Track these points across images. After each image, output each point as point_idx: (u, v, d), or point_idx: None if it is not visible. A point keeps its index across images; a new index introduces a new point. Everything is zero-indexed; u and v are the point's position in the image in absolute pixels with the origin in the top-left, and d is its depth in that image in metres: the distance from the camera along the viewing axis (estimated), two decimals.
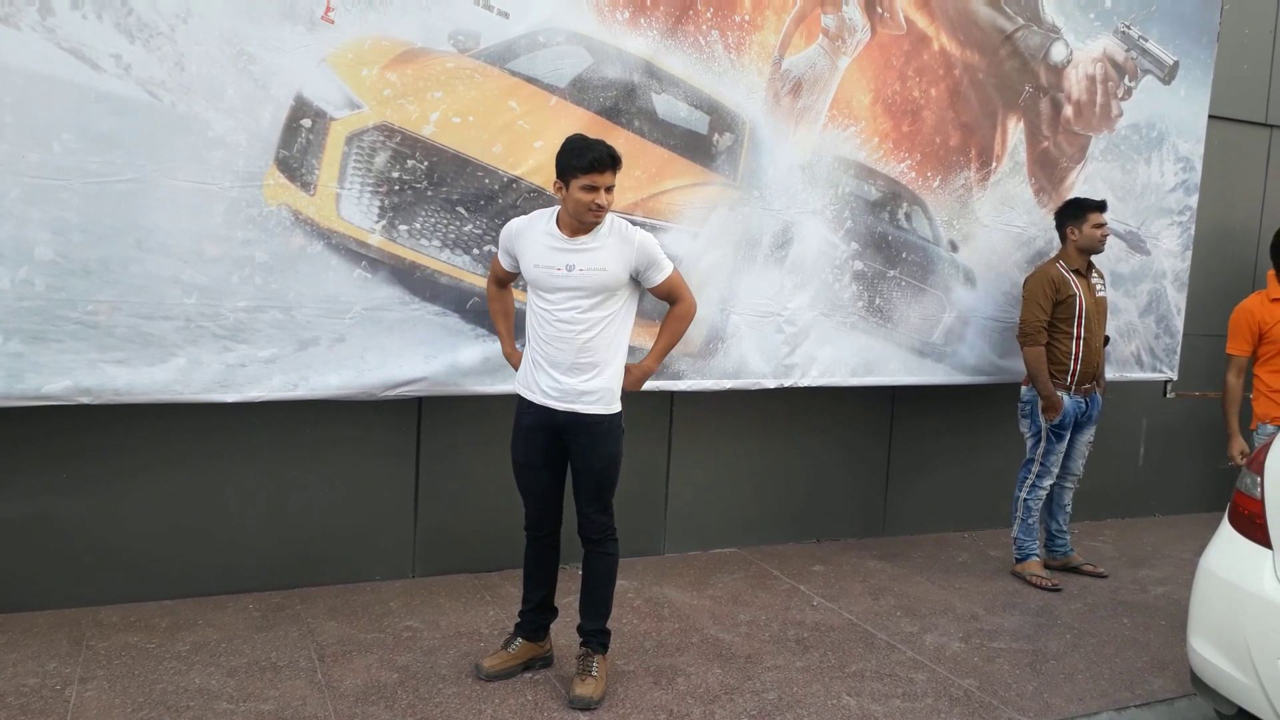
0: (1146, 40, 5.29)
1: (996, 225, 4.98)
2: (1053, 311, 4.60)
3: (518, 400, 3.33)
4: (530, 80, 3.84)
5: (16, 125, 3.19)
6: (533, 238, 3.21)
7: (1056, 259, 4.73)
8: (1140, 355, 5.53)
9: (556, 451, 3.31)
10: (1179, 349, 5.67)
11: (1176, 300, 5.61)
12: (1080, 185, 5.18)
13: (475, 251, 3.87)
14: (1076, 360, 4.63)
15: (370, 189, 3.67)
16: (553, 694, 3.33)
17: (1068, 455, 4.83)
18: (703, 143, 4.20)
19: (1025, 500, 4.80)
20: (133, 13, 3.31)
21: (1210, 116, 5.60)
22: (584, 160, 3.05)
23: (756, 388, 4.57)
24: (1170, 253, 5.56)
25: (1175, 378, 5.70)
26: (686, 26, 4.10)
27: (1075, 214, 4.67)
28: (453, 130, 3.74)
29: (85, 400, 3.41)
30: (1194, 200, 5.59)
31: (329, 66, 3.56)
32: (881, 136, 4.61)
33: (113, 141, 3.31)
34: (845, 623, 4.15)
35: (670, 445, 4.80)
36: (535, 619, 3.48)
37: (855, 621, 4.17)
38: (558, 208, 3.21)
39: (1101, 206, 4.64)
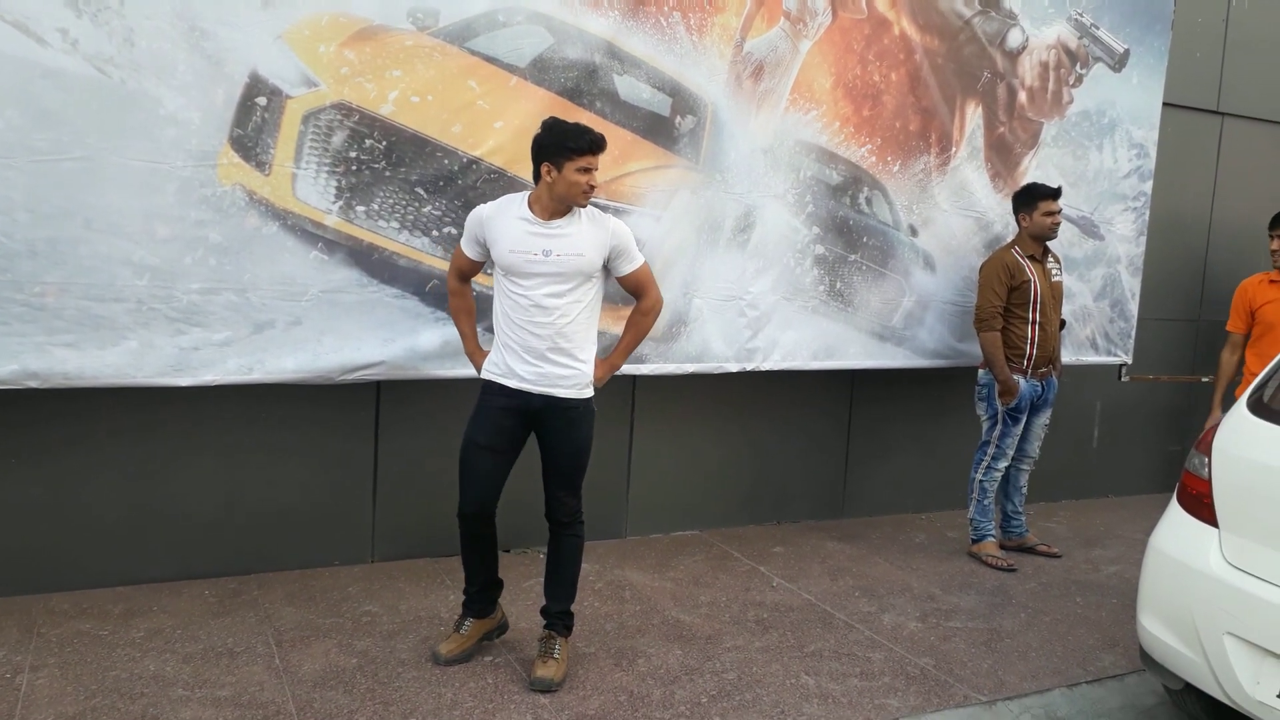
0: (1098, 28, 5.35)
1: (955, 210, 5.02)
2: (1008, 297, 4.66)
3: (484, 384, 3.30)
4: (490, 60, 3.80)
5: None
6: (506, 222, 3.17)
7: (1011, 245, 4.79)
8: (1095, 339, 5.61)
9: (519, 438, 3.30)
10: (1134, 333, 5.76)
11: (1131, 285, 5.70)
12: (1033, 171, 5.23)
13: (435, 233, 3.83)
14: (1032, 345, 4.69)
15: (327, 169, 3.61)
16: (513, 677, 3.32)
17: (1023, 438, 4.90)
18: (665, 125, 4.18)
19: (981, 482, 4.87)
20: None
21: (1163, 104, 5.67)
22: (581, 142, 3.07)
23: (719, 371, 4.58)
24: (1124, 238, 5.64)
25: (1130, 361, 5.80)
26: (648, 7, 4.08)
27: (1027, 201, 4.73)
28: (411, 109, 3.69)
29: (33, 384, 3.33)
30: (1148, 186, 5.67)
31: (285, 43, 3.49)
32: (843, 121, 4.62)
33: (59, 118, 3.23)
34: (804, 603, 4.18)
35: (632, 428, 4.80)
36: (481, 598, 3.48)
37: (814, 602, 4.21)
38: (527, 192, 3.20)
39: (1053, 194, 4.69)
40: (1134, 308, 5.74)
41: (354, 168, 3.65)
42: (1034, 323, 4.69)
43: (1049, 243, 4.82)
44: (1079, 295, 5.50)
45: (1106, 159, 5.49)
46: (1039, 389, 4.80)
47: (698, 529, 5.06)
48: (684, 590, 4.24)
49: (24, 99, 3.18)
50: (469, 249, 3.31)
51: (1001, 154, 5.15)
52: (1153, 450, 6.52)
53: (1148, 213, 5.71)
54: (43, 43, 3.19)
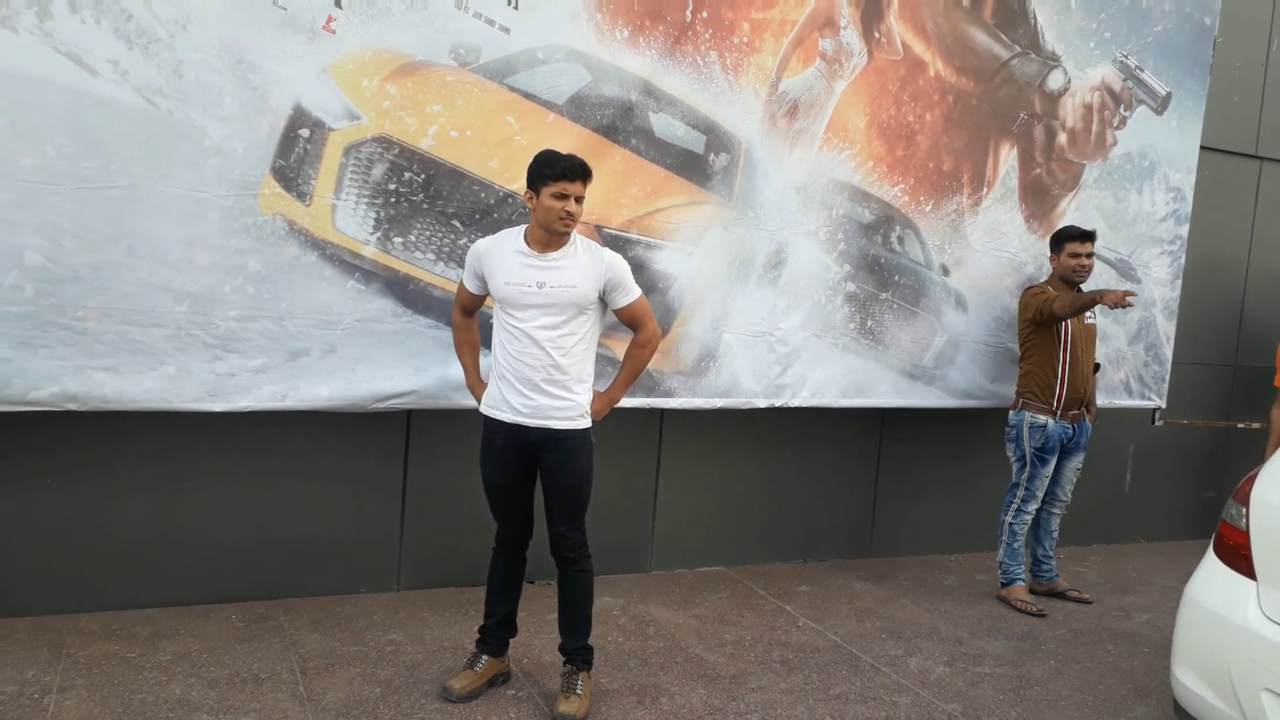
0: (1142, 70, 5.34)
1: (988, 250, 5.00)
2: (1039, 331, 4.65)
3: (484, 421, 3.32)
4: (528, 96, 3.85)
5: (10, 129, 3.18)
6: (501, 256, 3.20)
7: (1045, 284, 4.78)
8: (1129, 382, 5.55)
9: (528, 469, 3.31)
10: (1168, 377, 5.69)
11: (1166, 329, 5.64)
12: (1072, 213, 5.21)
13: None
14: (1062, 385, 4.65)
15: (366, 200, 3.66)
16: (536, 711, 3.31)
17: (1055, 481, 4.85)
18: (699, 162, 4.21)
19: (1010, 524, 4.82)
20: (132, 18, 3.31)
21: (1201, 147, 5.64)
22: (555, 168, 3.09)
23: (747, 407, 4.57)
24: (1160, 281, 5.59)
25: (1164, 405, 5.73)
26: (685, 47, 4.12)
27: (1055, 243, 4.77)
28: (450, 144, 3.74)
29: (72, 407, 3.38)
30: (1184, 230, 5.63)
31: (329, 77, 3.55)
32: (876, 160, 4.63)
33: (107, 147, 3.30)
34: (830, 644, 4.14)
35: (659, 462, 4.80)
36: (499, 634, 3.48)
37: (840, 643, 4.16)
38: (525, 225, 3.23)
39: (1080, 236, 4.67)
40: (1169, 351, 5.68)
41: (393, 200, 3.70)
42: (1064, 363, 4.65)
43: (1083, 285, 4.79)
44: (1114, 338, 5.45)
45: (1145, 202, 5.46)
46: (1070, 431, 4.74)
47: (723, 565, 5.04)
48: (708, 628, 4.21)
49: (75, 128, 3.25)
50: (470, 283, 3.34)
51: (1038, 195, 5.13)
52: (1186, 495, 6.42)
53: (1184, 256, 5.66)
54: (94, 73, 3.27)
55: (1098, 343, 4.98)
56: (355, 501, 4.18)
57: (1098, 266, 5.29)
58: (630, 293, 3.26)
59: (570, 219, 3.11)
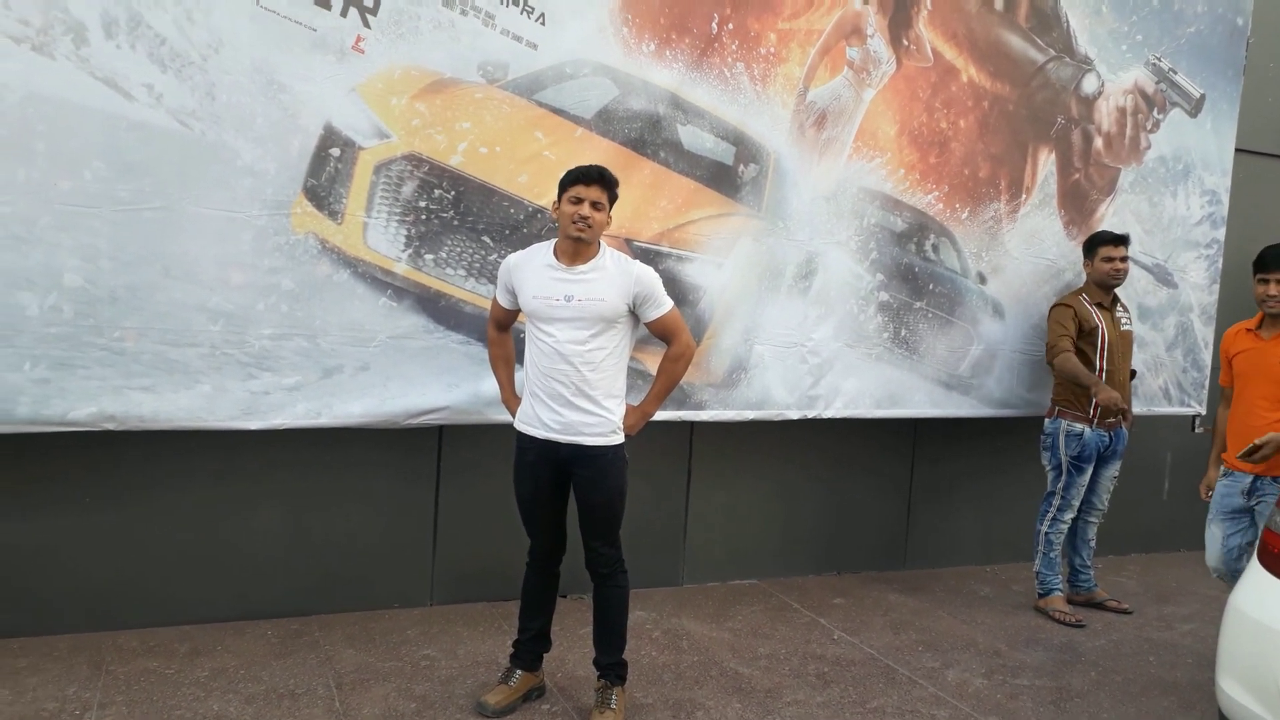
0: (1176, 73, 5.27)
1: (1026, 258, 4.95)
2: (1077, 339, 4.60)
3: (517, 437, 3.31)
4: (557, 111, 3.86)
5: (48, 153, 3.23)
6: (531, 270, 3.20)
7: (1080, 291, 4.73)
8: (1168, 389, 5.47)
9: (561, 485, 3.30)
10: (1206, 383, 5.60)
11: (1204, 334, 5.55)
12: (1110, 218, 5.15)
13: None
14: None
15: (397, 218, 3.68)
16: None
17: (1091, 490, 4.79)
18: (728, 173, 4.20)
19: (1046, 534, 4.76)
20: (165, 43, 3.35)
21: (1235, 150, 5.55)
22: (571, 174, 3.12)
23: (779, 419, 4.54)
24: (1197, 286, 5.51)
25: (1204, 412, 5.63)
26: (712, 59, 4.11)
27: (1089, 247, 4.73)
28: (480, 160, 3.75)
29: (110, 426, 3.43)
30: (1221, 233, 5.55)
31: (358, 96, 3.58)
32: (908, 168, 4.59)
33: (142, 169, 3.34)
34: (866, 657, 4.10)
35: (690, 475, 4.78)
36: (533, 648, 3.48)
37: (876, 656, 4.12)
38: (554, 240, 3.22)
39: (1114, 240, 4.64)
40: (1207, 357, 5.59)
41: (423, 217, 3.72)
42: (1101, 370, 4.59)
43: (1118, 291, 4.73)
44: (1151, 345, 5.37)
45: (1180, 206, 5.39)
46: (1106, 439, 4.67)
47: (755, 578, 5.01)
48: (742, 641, 4.18)
49: (110, 151, 3.30)
50: (502, 298, 3.34)
51: (1076, 201, 5.07)
52: None
53: (1220, 260, 5.57)
54: (129, 97, 3.31)
55: (1135, 349, 4.91)
56: (388, 517, 4.20)
57: (1134, 271, 5.23)
58: (661, 305, 3.23)
59: (585, 223, 3.07)
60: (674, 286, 4.05)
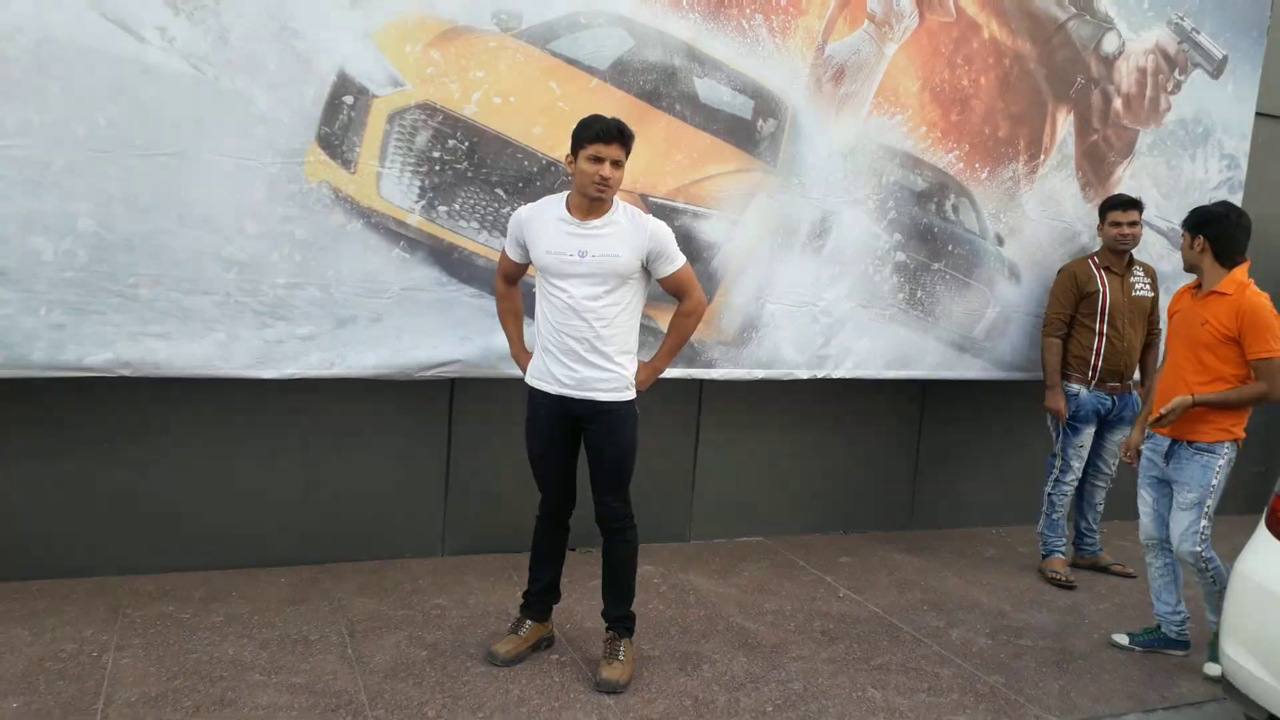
0: (1198, 32, 5.18)
1: (1043, 220, 4.91)
2: (1078, 306, 4.60)
3: (529, 393, 3.31)
4: (571, 61, 3.81)
5: (63, 97, 3.20)
6: (544, 224, 3.15)
7: (1091, 255, 4.73)
8: None
9: (573, 439, 3.31)
10: None
11: None
12: (1127, 180, 5.09)
13: None
14: (1098, 356, 4.59)
15: (410, 168, 3.66)
16: (578, 676, 3.34)
17: (1096, 454, 4.80)
18: (746, 128, 4.15)
19: (1050, 495, 4.79)
20: None
21: (1255, 113, 5.47)
22: (591, 130, 3.02)
23: (789, 378, 4.54)
24: None
25: None
26: (729, 9, 4.05)
27: (1101, 212, 4.70)
28: (494, 111, 3.72)
29: (126, 373, 3.44)
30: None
31: (373, 43, 3.54)
32: (929, 125, 4.54)
33: (156, 115, 3.31)
34: (871, 615, 4.14)
35: (698, 432, 4.79)
36: (543, 599, 3.51)
37: (881, 614, 4.16)
38: (567, 192, 3.18)
39: (1123, 204, 4.59)
40: None
41: (437, 168, 3.70)
42: (1101, 334, 4.58)
43: (1142, 257, 4.71)
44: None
45: (1198, 170, 5.33)
46: (1108, 403, 4.66)
47: (763, 536, 5.04)
48: (749, 597, 4.22)
49: (123, 96, 3.27)
50: (511, 251, 3.29)
51: (1094, 162, 5.02)
52: (1236, 469, 6.26)
53: None
54: (142, 40, 3.28)
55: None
56: (401, 467, 4.22)
57: (1148, 235, 5.18)
58: (674, 261, 3.20)
59: (605, 184, 3.03)
60: (688, 243, 4.03)
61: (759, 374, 4.44)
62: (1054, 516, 4.78)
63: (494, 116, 3.73)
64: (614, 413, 3.21)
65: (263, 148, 3.46)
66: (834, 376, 4.63)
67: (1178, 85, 5.19)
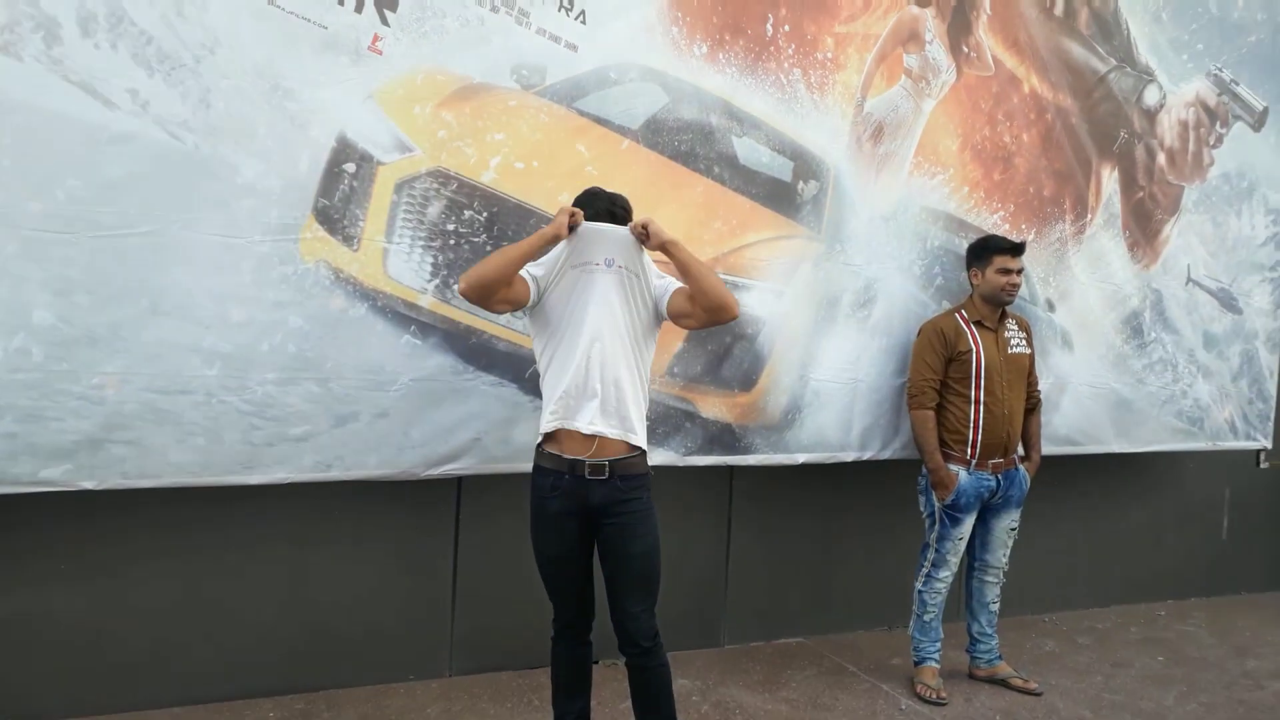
0: (1238, 84, 4.93)
1: (1092, 283, 4.57)
2: (946, 370, 3.91)
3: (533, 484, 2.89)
4: (600, 121, 3.42)
5: (15, 170, 2.74)
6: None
7: (957, 308, 4.01)
8: (1234, 422, 5.10)
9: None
10: (1272, 414, 5.24)
11: (1269, 362, 5.20)
12: (1175, 239, 4.79)
13: None
14: (976, 429, 3.88)
15: (422, 243, 3.22)
16: None
17: (984, 545, 4.10)
18: (787, 191, 3.77)
19: (920, 592, 4.03)
20: (152, 42, 2.88)
21: None
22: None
23: (832, 461, 4.11)
24: (1262, 311, 5.15)
25: (1269, 445, 5.27)
26: (767, 64, 3.70)
27: (980, 255, 3.92)
28: (515, 176, 3.30)
29: (88, 486, 2.93)
30: None
31: (376, 104, 3.12)
32: (972, 185, 4.20)
33: (126, 189, 2.86)
34: None
35: (730, 524, 4.33)
36: None
37: None
38: None
39: (1011, 249, 3.86)
40: (1273, 387, 5.24)
41: (451, 241, 3.26)
42: (977, 402, 3.86)
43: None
44: (1217, 375, 5.00)
45: (1245, 226, 5.04)
46: (992, 484, 3.94)
47: (801, 636, 4.56)
48: (803, 714, 3.73)
49: (88, 167, 2.82)
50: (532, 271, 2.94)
51: (1140, 221, 4.70)
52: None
53: None
54: (110, 105, 2.84)
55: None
56: (402, 576, 3.73)
57: (1200, 297, 4.87)
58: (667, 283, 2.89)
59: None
60: None
61: (801, 459, 4.01)
62: (924, 618, 4.03)
63: (515, 183, 3.31)
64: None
65: (250, 224, 3.01)
66: (880, 458, 4.21)
67: (1219, 139, 4.92)
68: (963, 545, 4.00)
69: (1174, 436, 4.91)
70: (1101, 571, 5.32)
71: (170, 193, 2.92)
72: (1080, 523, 5.11)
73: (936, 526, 3.98)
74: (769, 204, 3.72)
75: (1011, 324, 4.02)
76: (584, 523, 2.82)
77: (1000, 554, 4.12)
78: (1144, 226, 4.72)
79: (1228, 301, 5.01)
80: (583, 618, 2.97)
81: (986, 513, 4.03)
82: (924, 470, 4.00)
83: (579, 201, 2.86)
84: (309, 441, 3.16)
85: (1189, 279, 4.88)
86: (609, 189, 3.36)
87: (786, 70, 3.73)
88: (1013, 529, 4.10)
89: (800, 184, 3.80)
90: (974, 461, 3.91)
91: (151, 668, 3.37)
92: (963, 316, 3.95)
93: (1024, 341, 4.03)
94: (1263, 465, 5.36)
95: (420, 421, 3.29)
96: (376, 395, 3.21)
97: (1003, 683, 4.15)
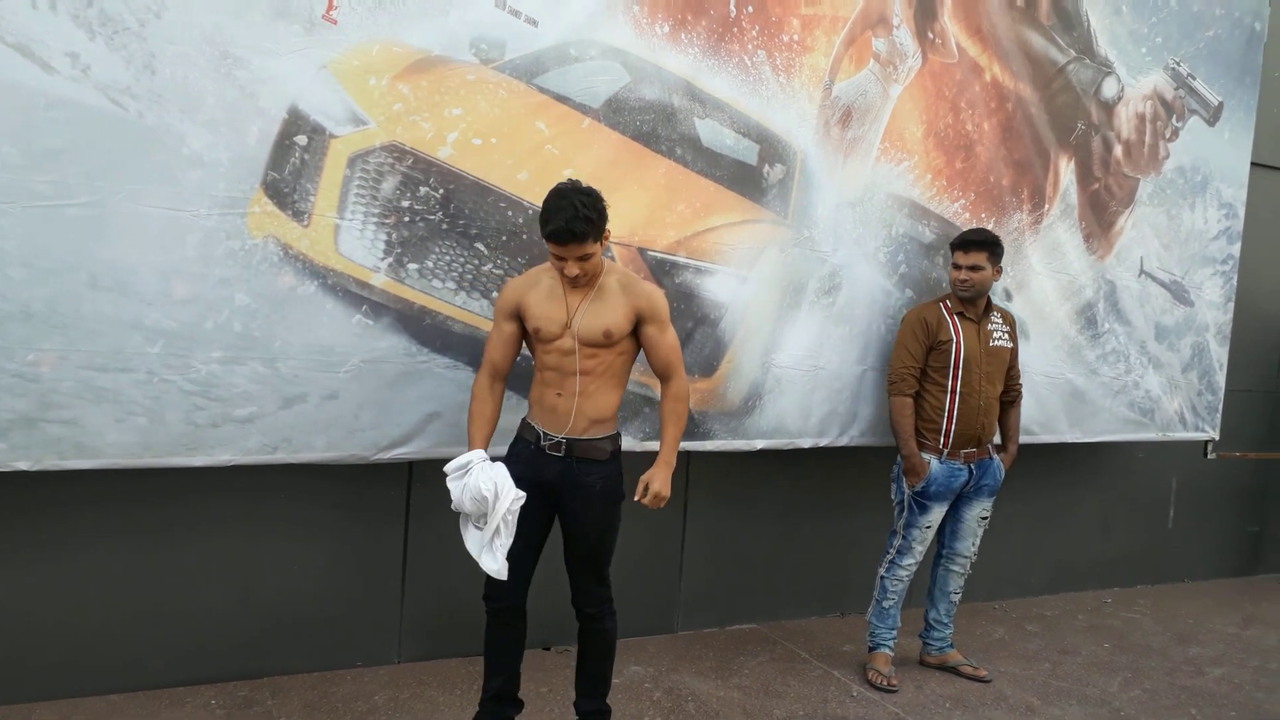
0: (1194, 79, 4.96)
1: (1048, 273, 4.58)
2: (926, 358, 3.92)
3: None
4: (561, 99, 3.33)
5: None
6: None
7: (941, 298, 4.02)
8: (1183, 413, 5.16)
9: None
10: (1220, 406, 5.32)
11: (1219, 355, 5.26)
12: (1129, 231, 4.82)
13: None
14: (950, 419, 3.90)
15: (375, 220, 3.12)
16: None
17: (954, 534, 4.11)
18: (752, 174, 3.72)
19: (882, 579, 4.06)
20: (94, 3, 2.75)
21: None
22: (545, 229, 2.74)
23: (790, 447, 4.09)
24: (1213, 304, 5.21)
25: (1216, 437, 5.35)
26: (730, 45, 3.64)
27: (950, 249, 3.99)
28: (473, 153, 3.21)
29: (23, 467, 2.81)
30: (1236, 249, 5.27)
31: (330, 74, 3.01)
32: (934, 173, 4.18)
33: (65, 158, 2.73)
34: (891, 716, 3.68)
35: (686, 510, 4.30)
36: (496, 711, 3.05)
37: (901, 715, 3.70)
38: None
39: (963, 244, 3.87)
40: (1222, 379, 5.31)
41: (406, 219, 3.17)
42: (953, 391, 3.89)
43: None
44: (1168, 366, 5.06)
45: (1197, 219, 5.09)
46: (964, 474, 3.97)
47: (755, 622, 4.55)
48: (754, 701, 3.72)
49: (24, 134, 2.68)
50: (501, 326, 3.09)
51: (1096, 212, 4.72)
52: (1230, 531, 6.06)
53: (1235, 277, 5.30)
54: (49, 69, 2.71)
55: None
56: (350, 562, 3.64)
57: (1151, 289, 4.92)
58: (666, 328, 3.03)
59: (575, 279, 2.83)
60: (693, 302, 3.58)
61: (760, 444, 3.98)
62: (884, 604, 4.05)
63: (473, 160, 3.22)
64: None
65: (196, 197, 2.89)
66: (839, 445, 4.20)
67: (1175, 132, 4.96)
68: (929, 535, 4.01)
69: (1125, 427, 4.96)
70: (1050, 559, 5.38)
71: (112, 162, 2.79)
72: (1030, 511, 5.16)
73: (905, 514, 4.00)
74: (734, 187, 3.66)
75: (996, 317, 4.05)
76: (541, 498, 2.89)
77: (969, 543, 4.14)
78: (1099, 218, 4.74)
79: (1180, 294, 5.06)
80: (515, 595, 2.98)
81: (959, 501, 4.06)
82: (898, 458, 4.01)
83: (545, 206, 2.72)
84: (255, 423, 3.06)
85: (1142, 271, 4.92)
86: (569, 169, 3.30)
87: (751, 52, 3.67)
88: (984, 518, 4.13)
89: (766, 167, 3.75)
90: (946, 450, 3.93)
91: (88, 653, 3.26)
92: (946, 306, 3.97)
93: (1006, 335, 4.06)
94: (1210, 456, 5.45)
95: (371, 404, 3.21)
96: (325, 376, 3.11)
97: (953, 670, 4.19)
